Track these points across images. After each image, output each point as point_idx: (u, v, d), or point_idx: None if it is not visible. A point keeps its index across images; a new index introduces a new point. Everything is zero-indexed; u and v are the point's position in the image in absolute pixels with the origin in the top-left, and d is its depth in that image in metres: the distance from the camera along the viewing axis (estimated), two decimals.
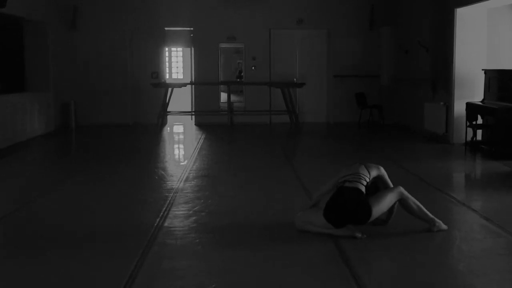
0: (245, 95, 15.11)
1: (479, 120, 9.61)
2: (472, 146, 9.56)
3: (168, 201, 6.09)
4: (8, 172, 8.40)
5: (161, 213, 5.58)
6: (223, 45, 14.73)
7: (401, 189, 4.86)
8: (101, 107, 13.99)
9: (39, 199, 6.40)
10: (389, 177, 5.05)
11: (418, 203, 4.92)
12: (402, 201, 4.86)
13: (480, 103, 9.52)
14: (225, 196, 6.47)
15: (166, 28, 14.49)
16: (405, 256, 4.36)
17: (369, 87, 14.14)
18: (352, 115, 13.99)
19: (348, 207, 4.65)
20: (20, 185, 7.29)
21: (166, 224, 5.22)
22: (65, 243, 4.72)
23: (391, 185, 4.99)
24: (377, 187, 4.96)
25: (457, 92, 10.23)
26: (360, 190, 4.72)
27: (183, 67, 23.14)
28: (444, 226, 4.94)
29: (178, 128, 13.93)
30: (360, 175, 4.81)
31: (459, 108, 10.10)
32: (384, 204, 4.73)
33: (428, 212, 4.95)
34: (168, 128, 13.63)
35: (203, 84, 14.08)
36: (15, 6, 10.53)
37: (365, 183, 4.78)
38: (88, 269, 4.08)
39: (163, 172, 7.90)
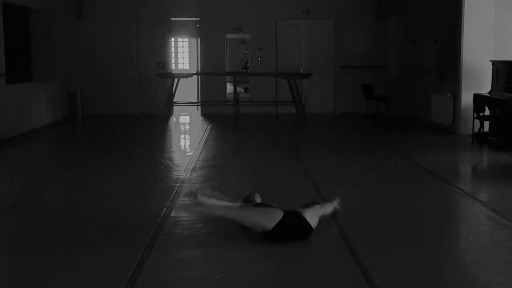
0: (251, 85, 15.09)
1: (487, 112, 9.56)
2: (479, 138, 9.52)
3: (174, 191, 6.10)
4: (16, 161, 8.43)
5: (168, 203, 5.58)
6: (229, 36, 14.68)
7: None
8: (108, 97, 14.00)
9: (46, 188, 6.43)
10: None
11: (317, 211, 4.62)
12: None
13: (487, 95, 9.47)
14: (231, 186, 6.46)
15: (172, 18, 14.45)
16: (412, 248, 4.35)
17: (376, 78, 14.08)
18: (358, 106, 13.94)
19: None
20: (27, 175, 7.31)
21: (172, 214, 5.23)
22: (71, 232, 4.73)
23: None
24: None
25: (464, 83, 10.18)
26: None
27: (189, 58, 23.11)
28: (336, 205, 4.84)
29: (184, 119, 13.93)
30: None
31: (467, 99, 10.05)
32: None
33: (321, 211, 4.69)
34: (175, 119, 13.64)
35: (209, 74, 14.06)
36: None
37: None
38: (96, 259, 4.10)
39: (169, 162, 7.91)
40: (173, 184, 6.46)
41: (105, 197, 6.02)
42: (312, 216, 4.49)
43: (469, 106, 9.90)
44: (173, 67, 18.58)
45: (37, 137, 10.64)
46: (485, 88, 9.81)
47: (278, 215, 4.34)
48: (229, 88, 15.35)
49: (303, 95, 14.02)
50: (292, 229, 4.35)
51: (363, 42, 14.21)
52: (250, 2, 14.08)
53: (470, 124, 9.80)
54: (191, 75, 14.16)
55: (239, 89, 15.48)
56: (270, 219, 4.31)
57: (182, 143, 10.67)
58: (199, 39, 14.77)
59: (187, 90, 16.48)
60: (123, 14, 13.90)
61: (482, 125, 9.54)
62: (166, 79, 13.63)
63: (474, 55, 10.09)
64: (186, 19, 15.58)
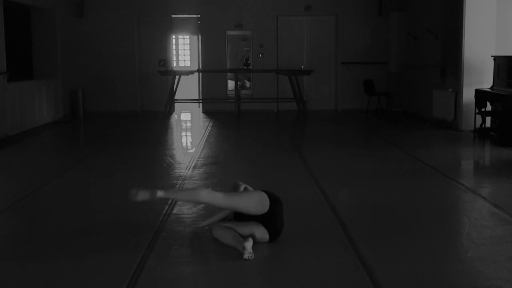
0: (252, 82, 15.08)
1: (488, 107, 9.55)
2: (481, 133, 9.51)
3: (176, 189, 6.09)
4: (17, 159, 8.44)
5: (170, 201, 5.58)
6: (230, 32, 14.67)
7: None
8: (109, 94, 14.00)
9: (47, 187, 6.43)
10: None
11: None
12: None
13: (489, 90, 9.46)
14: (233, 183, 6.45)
15: (173, 16, 14.43)
16: (414, 244, 4.35)
17: (378, 74, 14.06)
18: (360, 102, 13.92)
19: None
20: (28, 173, 7.32)
21: (174, 211, 5.24)
22: (72, 231, 4.73)
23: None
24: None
25: (466, 79, 10.17)
26: None
27: (190, 55, 23.09)
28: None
29: (186, 116, 13.93)
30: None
31: (468, 95, 10.04)
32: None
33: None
34: (176, 116, 13.63)
35: (210, 71, 14.05)
36: None
37: None
38: (98, 256, 4.10)
39: (171, 160, 7.91)
40: (175, 181, 6.46)
41: (107, 195, 6.01)
42: (252, 201, 4.38)
43: (470, 101, 9.89)
44: (174, 65, 18.56)
45: (38, 135, 10.64)
46: (487, 83, 9.80)
47: (264, 233, 4.29)
48: (231, 85, 15.34)
49: (304, 92, 14.01)
50: (281, 223, 4.38)
51: (364, 38, 14.18)
52: None
53: (471, 120, 9.79)
54: (192, 72, 14.14)
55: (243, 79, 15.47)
56: (264, 234, 4.30)
57: (183, 140, 10.67)
58: (200, 36, 14.76)
59: (188, 88, 16.48)
60: (124, 11, 13.89)
61: (483, 121, 9.52)
62: (167, 77, 13.62)
63: (475, 50, 10.07)
64: (187, 16, 15.58)
